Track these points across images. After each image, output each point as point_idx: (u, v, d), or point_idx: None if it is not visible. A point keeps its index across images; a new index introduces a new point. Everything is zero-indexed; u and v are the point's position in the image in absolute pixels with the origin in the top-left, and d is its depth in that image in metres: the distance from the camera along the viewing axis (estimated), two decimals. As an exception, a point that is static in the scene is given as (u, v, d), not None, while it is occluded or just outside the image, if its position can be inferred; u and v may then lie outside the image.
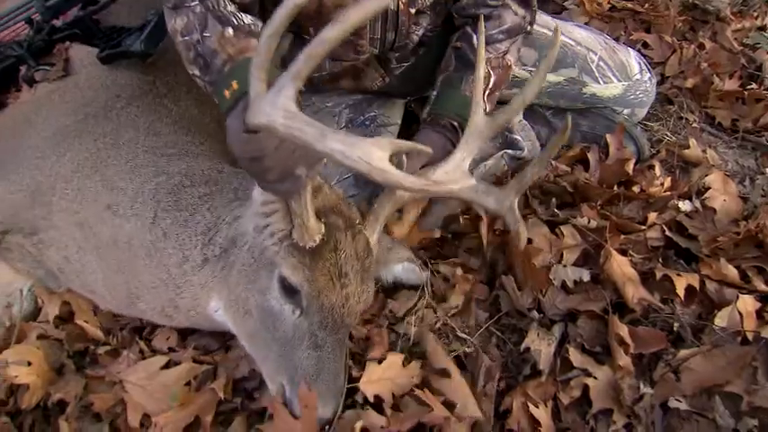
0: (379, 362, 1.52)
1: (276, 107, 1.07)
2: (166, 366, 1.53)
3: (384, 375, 1.49)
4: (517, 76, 1.95)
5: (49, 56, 2.06)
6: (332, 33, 0.99)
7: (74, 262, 1.61)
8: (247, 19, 1.51)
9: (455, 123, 1.68)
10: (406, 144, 1.15)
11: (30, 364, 1.51)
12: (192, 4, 1.50)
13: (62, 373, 1.58)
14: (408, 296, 1.68)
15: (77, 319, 1.64)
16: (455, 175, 1.46)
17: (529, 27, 1.81)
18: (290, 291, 1.34)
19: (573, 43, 2.02)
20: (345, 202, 1.44)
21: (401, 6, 1.73)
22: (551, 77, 2.01)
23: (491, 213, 1.55)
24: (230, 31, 1.47)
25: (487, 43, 1.68)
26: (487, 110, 1.69)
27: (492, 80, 1.73)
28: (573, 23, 2.16)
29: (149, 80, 1.86)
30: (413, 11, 1.76)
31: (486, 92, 1.69)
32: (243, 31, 1.48)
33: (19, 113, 1.94)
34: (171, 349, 1.61)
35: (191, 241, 1.47)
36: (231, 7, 1.51)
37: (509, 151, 2.04)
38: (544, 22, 2.00)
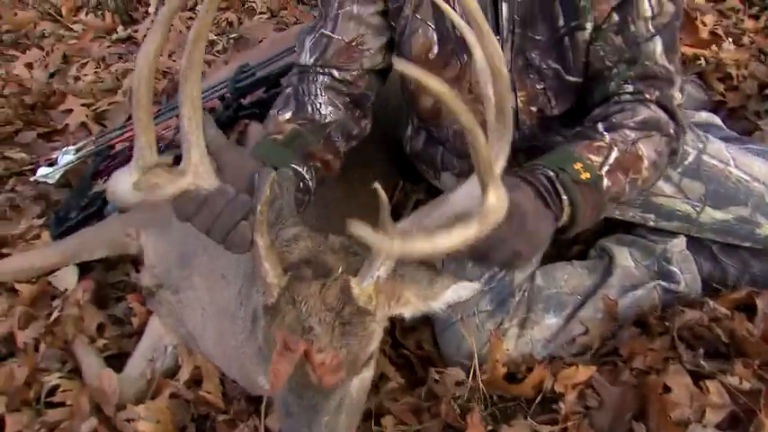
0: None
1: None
2: (274, 448, 1.58)
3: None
4: (679, 210, 1.81)
5: (233, 129, 2.30)
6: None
7: (197, 326, 1.73)
8: (324, 110, 1.63)
9: (550, 174, 1.41)
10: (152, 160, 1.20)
11: (158, 422, 1.63)
12: (289, 88, 1.70)
13: (184, 434, 1.69)
14: (524, 426, 1.61)
15: (202, 388, 1.74)
16: None
17: (673, 131, 1.58)
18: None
19: (748, 179, 1.81)
20: (341, 250, 1.31)
21: (520, 105, 1.71)
22: (717, 215, 1.81)
23: None
24: (288, 114, 1.61)
25: (615, 129, 1.53)
26: (605, 185, 1.46)
27: (613, 155, 1.49)
28: (755, 152, 1.93)
29: None
30: (534, 109, 1.72)
31: (605, 167, 1.48)
32: (299, 118, 1.60)
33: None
34: (281, 432, 1.66)
35: (243, 314, 1.48)
36: (322, 98, 1.65)
37: (663, 283, 1.87)
38: (716, 151, 1.82)
